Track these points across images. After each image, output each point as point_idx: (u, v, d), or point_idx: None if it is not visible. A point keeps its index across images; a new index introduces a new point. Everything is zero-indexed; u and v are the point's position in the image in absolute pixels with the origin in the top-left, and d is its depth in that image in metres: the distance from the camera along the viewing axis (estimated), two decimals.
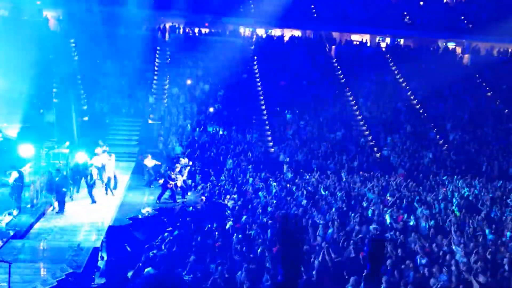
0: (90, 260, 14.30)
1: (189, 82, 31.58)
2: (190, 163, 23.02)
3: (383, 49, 40.44)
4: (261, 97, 33.24)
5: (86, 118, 29.28)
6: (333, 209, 18.64)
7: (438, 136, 30.98)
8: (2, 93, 23.87)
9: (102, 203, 19.69)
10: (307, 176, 24.36)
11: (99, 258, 15.44)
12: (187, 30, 38.80)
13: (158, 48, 36.07)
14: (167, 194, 20.69)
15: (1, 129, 24.57)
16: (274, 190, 21.44)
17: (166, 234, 15.96)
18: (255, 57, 36.68)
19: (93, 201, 19.45)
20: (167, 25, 38.53)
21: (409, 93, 35.09)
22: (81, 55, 33.42)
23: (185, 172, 21.36)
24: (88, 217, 18.02)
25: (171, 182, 20.46)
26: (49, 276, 12.93)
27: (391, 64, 38.10)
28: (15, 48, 25.53)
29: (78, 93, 30.80)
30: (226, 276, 13.18)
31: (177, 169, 21.10)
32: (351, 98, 34.10)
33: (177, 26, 38.61)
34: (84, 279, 13.63)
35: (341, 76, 36.15)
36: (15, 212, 16.85)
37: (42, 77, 28.33)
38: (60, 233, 16.43)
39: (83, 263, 13.79)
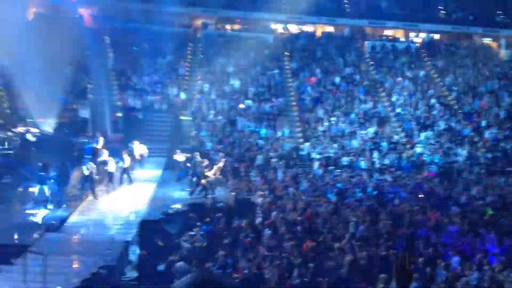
0: (122, 253, 14.55)
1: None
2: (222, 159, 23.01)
3: (417, 44, 39.77)
4: (292, 93, 33.14)
5: (119, 114, 29.74)
6: (364, 207, 18.49)
7: (473, 133, 30.37)
8: (38, 89, 24.42)
9: (134, 197, 20.00)
10: (338, 173, 24.23)
11: (131, 252, 15.70)
12: (218, 27, 38.94)
13: (190, 44, 36.32)
14: (198, 189, 20.85)
15: (38, 125, 25.21)
16: (303, 187, 21.40)
17: (196, 229, 16.11)
18: (287, 53, 36.58)
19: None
20: (199, 22, 38.76)
21: (443, 89, 34.47)
22: (115, 51, 33.91)
23: (215, 168, 21.42)
24: (121, 211, 18.33)
25: (203, 181, 20.56)
26: (82, 268, 13.22)
27: (425, 60, 37.47)
28: (51, 45, 26.07)
29: (112, 89, 31.30)
30: (256, 271, 13.25)
31: (203, 164, 21.09)
32: (383, 94, 33.70)
33: (209, 22, 38.79)
34: (116, 272, 13.89)
35: (374, 72, 35.75)
36: (50, 206, 17.27)
37: (77, 73, 28.89)
38: (94, 227, 16.76)
39: (116, 256, 14.04)
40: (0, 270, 12.98)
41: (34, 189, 18.24)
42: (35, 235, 14.88)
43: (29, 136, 22.49)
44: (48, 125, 25.33)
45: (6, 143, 21.70)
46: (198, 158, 21.99)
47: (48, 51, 25.36)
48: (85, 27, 35.22)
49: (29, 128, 24.07)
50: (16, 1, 30.77)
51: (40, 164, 18.78)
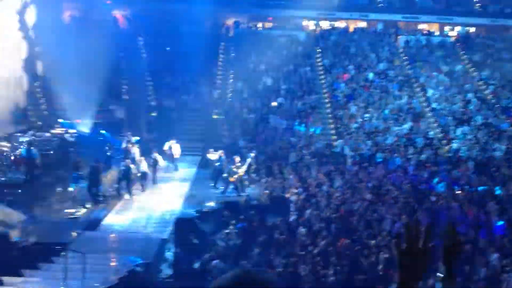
0: (158, 251, 14.74)
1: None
2: (252, 155, 23.02)
3: (453, 38, 39.00)
4: (324, 90, 32.95)
5: (154, 114, 30.14)
6: (400, 203, 18.27)
7: (511, 127, 29.60)
8: (75, 90, 24.97)
9: (169, 196, 20.24)
10: (372, 170, 23.96)
11: (167, 250, 15.88)
12: (250, 25, 39.00)
13: (222, 43, 36.49)
14: (230, 187, 20.95)
15: (75, 125, 25.79)
16: (337, 184, 21.26)
17: (231, 227, 16.19)
18: (319, 50, 36.39)
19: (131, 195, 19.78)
20: (231, 21, 38.92)
21: (480, 83, 33.71)
22: (149, 52, 34.36)
23: (245, 165, 21.47)
24: (156, 209, 18.56)
25: (234, 177, 20.65)
26: (120, 266, 13.45)
27: (461, 53, 36.71)
28: (86, 47, 26.62)
29: (147, 90, 31.74)
30: (291, 269, 13.24)
31: (237, 162, 21.17)
32: (418, 89, 33.17)
33: (240, 21, 38.91)
34: (153, 270, 14.08)
35: (408, 67, 35.23)
36: (88, 205, 17.62)
37: (112, 74, 29.36)
38: (130, 225, 17.03)
39: (152, 254, 14.23)
40: (41, 268, 13.33)
41: (72, 189, 18.68)
42: (74, 234, 15.21)
43: (67, 137, 23.06)
44: (85, 126, 25.88)
45: (45, 144, 22.24)
46: (223, 156, 22.26)
47: (84, 53, 25.92)
48: (119, 29, 35.81)
49: (67, 129, 24.65)
50: (53, 5, 31.46)
51: (73, 164, 19.24)
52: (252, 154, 22.70)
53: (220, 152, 22.90)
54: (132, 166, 19.66)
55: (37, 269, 13.25)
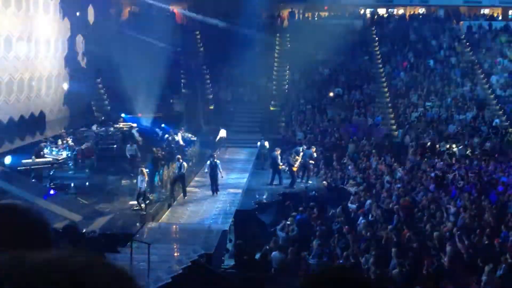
0: (219, 242, 14.90)
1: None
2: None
3: None
4: (383, 79, 32.30)
5: (211, 107, 30.46)
6: (465, 194, 17.69)
7: None
8: (136, 84, 25.56)
9: (230, 188, 20.41)
10: (435, 159, 23.34)
11: (228, 240, 16.05)
12: (306, 15, 38.67)
13: (277, 35, 36.37)
14: (283, 179, 20.85)
15: (137, 119, 26.45)
16: (398, 174, 20.83)
17: (290, 218, 16.16)
18: (376, 38, 35.67)
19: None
20: (286, 11, 38.72)
21: None
22: (206, 46, 34.71)
23: (299, 156, 21.34)
24: (217, 201, 18.77)
25: (295, 166, 20.59)
26: (183, 256, 13.69)
27: None
28: (145, 42, 27.18)
29: (204, 83, 32.10)
30: (352, 261, 13.09)
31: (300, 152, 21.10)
32: (482, 76, 31.97)
33: (296, 11, 38.66)
34: (215, 260, 14.26)
35: (471, 53, 33.98)
36: (151, 197, 17.99)
37: (171, 68, 29.90)
38: (192, 216, 17.30)
39: (214, 244, 14.40)
40: (107, 258, 13.75)
41: (135, 181, 19.15)
42: (138, 225, 15.59)
43: (135, 133, 23.79)
44: (146, 120, 26.48)
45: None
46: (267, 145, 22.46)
47: (143, 48, 26.47)
48: (176, 23, 36.34)
49: (132, 124, 25.40)
50: (113, 2, 32.31)
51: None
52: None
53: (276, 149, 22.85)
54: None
55: None
